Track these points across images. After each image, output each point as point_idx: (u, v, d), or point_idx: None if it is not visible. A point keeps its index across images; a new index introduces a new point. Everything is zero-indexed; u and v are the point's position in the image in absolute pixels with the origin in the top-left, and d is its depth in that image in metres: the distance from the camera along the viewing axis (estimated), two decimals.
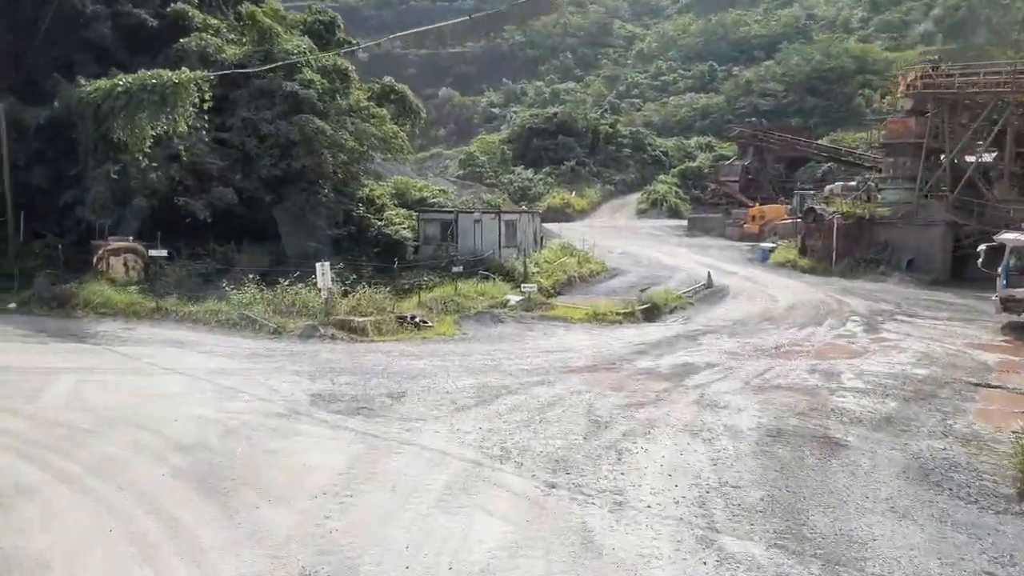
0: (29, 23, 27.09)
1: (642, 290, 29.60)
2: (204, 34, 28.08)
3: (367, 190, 36.54)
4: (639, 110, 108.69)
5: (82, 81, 24.22)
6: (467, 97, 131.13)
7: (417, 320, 21.20)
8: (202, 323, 19.61)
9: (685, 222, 60.59)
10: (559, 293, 30.22)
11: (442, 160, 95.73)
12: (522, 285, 26.39)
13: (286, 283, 21.76)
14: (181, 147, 24.67)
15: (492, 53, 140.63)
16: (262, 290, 21.49)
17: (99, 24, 27.46)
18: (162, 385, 13.73)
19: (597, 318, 23.95)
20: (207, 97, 21.36)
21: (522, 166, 78.21)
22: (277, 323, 18.89)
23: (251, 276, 22.62)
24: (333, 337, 18.77)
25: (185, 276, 24.81)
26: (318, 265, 19.36)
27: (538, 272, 32.82)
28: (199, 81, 21.04)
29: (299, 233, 30.92)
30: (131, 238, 25.11)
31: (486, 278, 28.46)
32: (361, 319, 19.57)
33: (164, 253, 21.34)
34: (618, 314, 24.43)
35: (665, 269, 37.25)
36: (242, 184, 27.90)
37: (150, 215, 26.40)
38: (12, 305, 20.62)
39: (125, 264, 24.65)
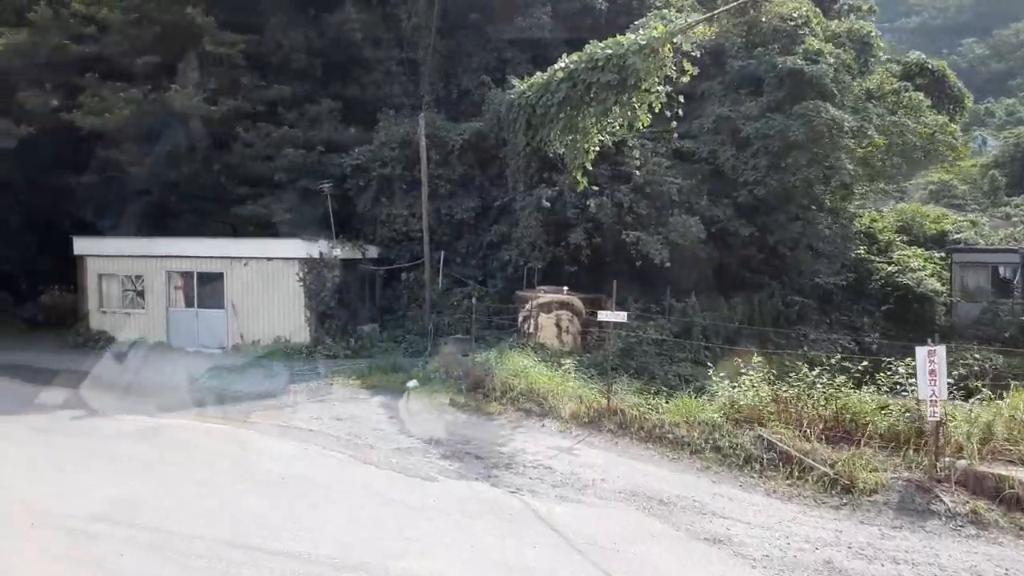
0: (460, 20, 22.42)
1: None
2: (664, 11, 20.55)
3: (866, 220, 25.77)
4: None
5: (513, 82, 18.26)
6: None
7: None
8: (684, 447, 10.95)
9: None
10: None
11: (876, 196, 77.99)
12: None
13: (814, 373, 12.02)
14: (635, 159, 17.16)
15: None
16: (772, 380, 12.08)
17: (536, 10, 21.58)
18: None
19: None
20: (688, 68, 13.31)
21: (1021, 196, 58.57)
22: (838, 470, 9.36)
23: (732, 353, 13.77)
24: (966, 518, 8.60)
25: (634, 344, 17.12)
26: (920, 351, 9.11)
27: None
28: (675, 40, 13.08)
29: (775, 284, 21.60)
30: (565, 288, 18.39)
31: None
32: None
33: (623, 317, 13.07)
34: None
35: None
36: (709, 212, 19.55)
37: (589, 256, 19.57)
38: (412, 383, 14.56)
39: (558, 325, 17.86)
